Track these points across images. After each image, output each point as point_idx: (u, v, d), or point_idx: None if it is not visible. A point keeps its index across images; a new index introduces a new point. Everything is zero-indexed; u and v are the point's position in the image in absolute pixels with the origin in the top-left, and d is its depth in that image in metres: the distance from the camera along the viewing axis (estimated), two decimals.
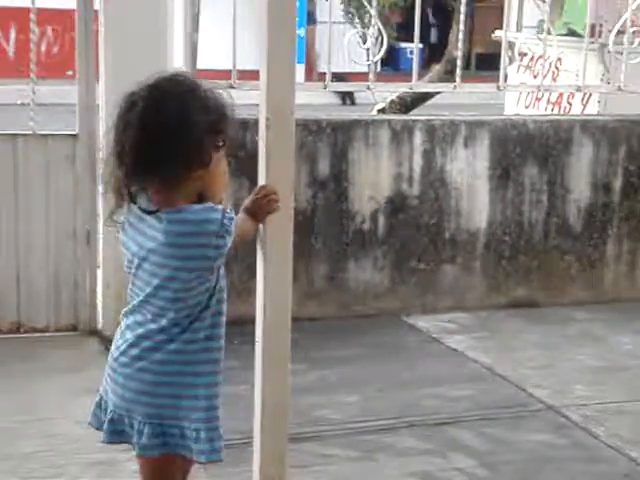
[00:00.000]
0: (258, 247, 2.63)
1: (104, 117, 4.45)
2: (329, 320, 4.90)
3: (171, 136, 2.22)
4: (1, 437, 3.47)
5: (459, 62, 5.06)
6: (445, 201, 5.10)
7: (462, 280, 5.20)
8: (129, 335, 2.38)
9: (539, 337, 4.84)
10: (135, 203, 2.33)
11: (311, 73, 16.05)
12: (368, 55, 4.96)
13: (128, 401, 2.37)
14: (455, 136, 5.09)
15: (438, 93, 6.66)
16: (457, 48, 5.23)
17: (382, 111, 7.10)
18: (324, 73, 5.04)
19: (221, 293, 2.42)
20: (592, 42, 5.72)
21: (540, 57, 5.81)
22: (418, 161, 5.03)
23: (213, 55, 9.97)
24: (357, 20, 14.01)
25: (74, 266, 4.59)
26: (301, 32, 17.39)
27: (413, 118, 5.34)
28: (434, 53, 13.90)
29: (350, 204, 4.93)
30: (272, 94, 2.51)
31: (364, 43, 5.00)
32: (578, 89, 5.42)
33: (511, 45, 6.23)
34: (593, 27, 5.91)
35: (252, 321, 2.64)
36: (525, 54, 6.83)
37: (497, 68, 5.27)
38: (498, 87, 5.17)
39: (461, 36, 5.18)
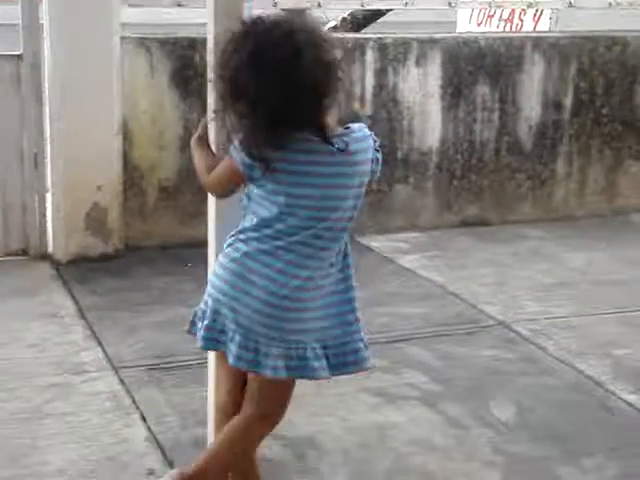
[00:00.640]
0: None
1: (49, 37, 4.35)
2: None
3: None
4: None
5: None
6: (397, 121, 5.08)
7: (415, 200, 5.21)
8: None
9: (490, 255, 4.90)
10: (286, 147, 2.24)
11: None
12: None
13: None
14: (407, 54, 5.05)
15: (390, 10, 6.57)
16: None
17: (334, 29, 6.99)
18: None
19: None
20: None
21: None
22: (370, 80, 4.99)
23: None
24: None
25: (22, 190, 4.52)
26: None
27: (364, 36, 5.28)
28: None
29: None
30: (220, 11, 2.45)
31: None
32: (529, 5, 5.40)
33: None
34: None
35: (205, 244, 2.63)
36: None
37: None
38: (450, 4, 5.13)
39: None
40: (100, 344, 3.63)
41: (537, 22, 6.50)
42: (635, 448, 3.00)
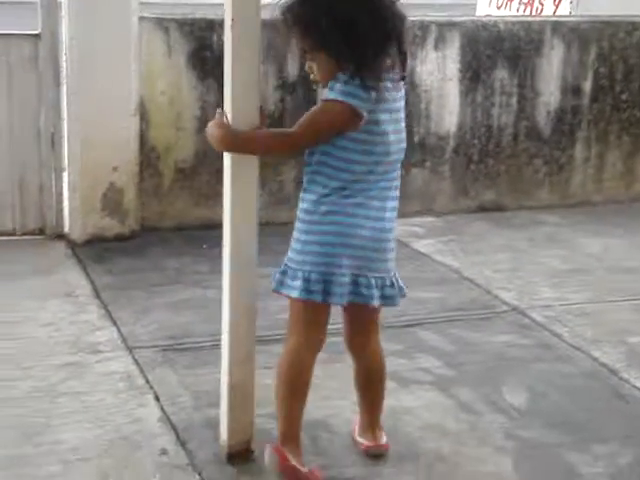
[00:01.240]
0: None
1: (67, 15, 4.35)
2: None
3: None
4: None
5: None
6: (415, 104, 5.06)
7: (431, 184, 5.20)
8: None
9: (506, 240, 4.88)
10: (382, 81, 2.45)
11: None
12: None
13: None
14: (425, 37, 5.02)
15: None
16: None
17: None
18: None
19: None
20: None
21: None
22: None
23: None
24: None
25: (39, 169, 4.53)
26: None
27: None
28: None
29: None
30: None
31: None
32: None
33: None
34: None
35: (221, 225, 2.63)
36: None
37: None
38: None
39: None
40: (115, 324, 3.65)
41: (557, 6, 6.46)
42: None
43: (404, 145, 2.60)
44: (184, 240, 4.65)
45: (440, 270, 4.43)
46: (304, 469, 2.62)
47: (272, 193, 4.84)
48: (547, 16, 6.08)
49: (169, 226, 4.78)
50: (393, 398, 3.15)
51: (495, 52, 5.15)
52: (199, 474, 2.68)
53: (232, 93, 2.49)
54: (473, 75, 5.14)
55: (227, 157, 2.55)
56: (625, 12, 5.80)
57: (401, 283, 2.72)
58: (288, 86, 4.83)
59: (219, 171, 2.56)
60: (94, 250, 4.45)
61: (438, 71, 5.07)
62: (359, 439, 2.85)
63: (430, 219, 5.14)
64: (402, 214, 4.98)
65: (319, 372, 3.25)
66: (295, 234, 2.60)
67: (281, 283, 2.59)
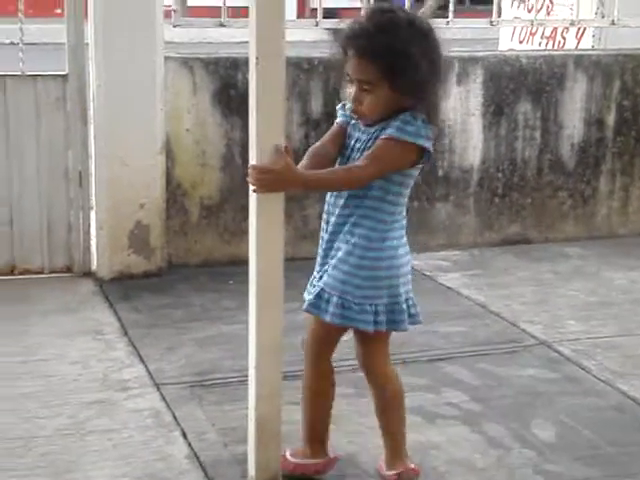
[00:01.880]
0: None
1: (94, 56, 4.42)
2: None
3: None
4: (0, 378, 3.50)
5: None
6: (438, 139, 5.08)
7: (455, 218, 5.21)
8: None
9: (532, 273, 4.87)
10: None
11: (303, 9, 15.89)
12: None
13: None
14: (448, 73, 5.04)
15: None
16: None
17: None
18: (316, 9, 5.00)
19: None
20: None
21: None
22: None
23: None
24: None
25: (67, 208, 4.59)
26: None
27: None
28: None
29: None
30: (261, 33, 2.47)
31: None
32: (572, 23, 5.38)
33: None
34: None
35: (247, 262, 2.65)
36: None
37: (492, 3, 5.22)
38: (491, 22, 5.13)
39: None
40: (142, 361, 3.67)
41: (580, 40, 6.47)
42: None
43: None
44: (210, 277, 4.68)
45: (466, 304, 4.43)
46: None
47: (297, 228, 4.87)
48: (569, 50, 6.10)
49: (195, 263, 4.81)
50: (419, 433, 3.15)
51: (518, 86, 5.17)
52: None
53: (257, 130, 2.52)
54: (496, 109, 5.16)
55: (252, 194, 2.57)
56: None
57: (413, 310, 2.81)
58: (312, 122, 4.86)
59: (244, 208, 2.59)
60: (121, 287, 4.49)
61: (461, 106, 5.10)
62: (386, 473, 2.84)
63: (455, 253, 5.14)
64: (427, 248, 5.09)
65: (345, 406, 3.26)
66: (346, 268, 2.63)
67: (342, 317, 2.66)
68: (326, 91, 4.86)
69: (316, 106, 4.86)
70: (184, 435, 3.11)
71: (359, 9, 4.87)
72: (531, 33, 7.00)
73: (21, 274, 4.56)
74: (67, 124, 4.51)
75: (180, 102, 4.67)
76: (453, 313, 4.29)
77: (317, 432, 2.87)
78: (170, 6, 4.83)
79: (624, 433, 3.20)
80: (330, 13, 8.34)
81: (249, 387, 2.71)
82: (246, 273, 2.67)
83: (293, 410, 3.19)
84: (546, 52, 5.79)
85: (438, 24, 5.50)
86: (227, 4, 4.59)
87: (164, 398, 3.36)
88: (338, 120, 2.73)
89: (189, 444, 3.05)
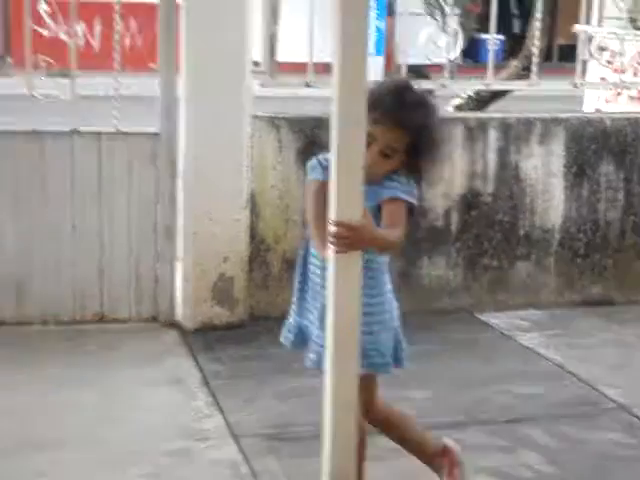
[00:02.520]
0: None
1: (185, 114, 4.59)
2: (402, 316, 4.94)
3: None
4: (85, 425, 3.62)
5: (534, 59, 5.07)
6: (519, 198, 5.11)
7: (536, 277, 5.20)
8: None
9: (613, 335, 4.83)
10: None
11: (390, 65, 16.06)
12: (453, 48, 5.03)
13: None
14: (530, 133, 5.09)
15: (514, 91, 6.67)
16: (533, 44, 5.23)
17: (459, 107, 7.11)
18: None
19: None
20: None
21: (619, 53, 5.75)
22: (492, 158, 5.05)
23: (295, 48, 10.05)
24: (437, 11, 13.97)
25: (154, 260, 4.73)
26: (381, 24, 17.45)
27: (488, 116, 5.36)
28: (517, 44, 13.78)
29: (423, 201, 4.97)
30: (343, 96, 2.56)
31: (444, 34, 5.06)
32: None
33: (591, 40, 6.17)
34: None
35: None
36: (605, 49, 6.76)
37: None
38: (574, 84, 5.16)
39: (538, 33, 5.18)
40: (222, 411, 3.75)
41: None
42: None
43: None
44: None
45: (545, 364, 4.41)
46: None
47: None
48: None
49: (277, 315, 4.85)
50: None
51: (601, 147, 5.18)
52: None
53: (337, 190, 2.58)
54: (578, 170, 5.17)
55: (332, 251, 2.63)
56: None
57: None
58: None
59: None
60: (204, 338, 4.59)
61: (543, 166, 5.12)
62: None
63: (535, 312, 5.12)
64: (506, 307, 5.09)
65: (420, 464, 3.29)
66: (365, 328, 2.77)
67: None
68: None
69: None
70: None
71: (441, 65, 4.96)
72: (617, 93, 6.99)
73: (109, 323, 4.71)
74: (157, 179, 4.68)
75: (266, 159, 4.79)
76: (531, 374, 4.28)
77: None
78: (259, 64, 4.99)
79: None
80: (417, 70, 8.37)
81: (324, 442, 2.76)
82: None
83: (369, 466, 3.23)
84: (630, 114, 5.77)
85: (521, 85, 5.56)
86: (317, 60, 4.70)
87: (242, 450, 3.43)
88: (317, 177, 2.83)
89: None
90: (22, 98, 4.56)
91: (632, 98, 6.89)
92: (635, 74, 6.68)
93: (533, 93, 5.77)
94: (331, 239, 2.56)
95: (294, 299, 2.99)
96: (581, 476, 3.31)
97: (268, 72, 5.22)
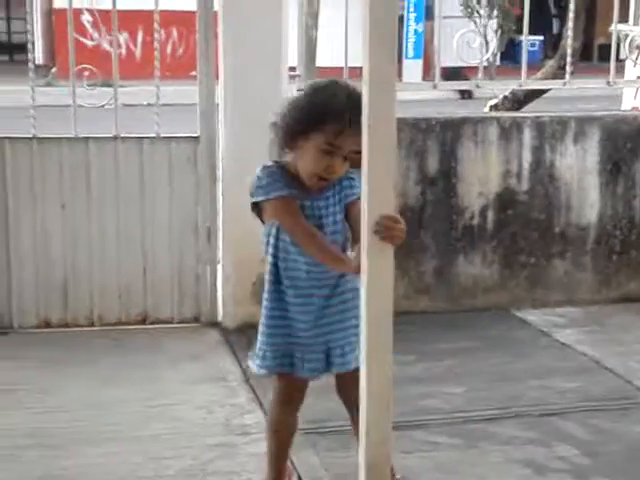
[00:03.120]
0: (362, 239, 2.76)
1: (223, 119, 4.70)
2: (439, 314, 5.03)
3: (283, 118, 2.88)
4: (132, 420, 3.73)
5: (569, 59, 5.11)
6: (555, 196, 5.16)
7: (572, 275, 5.24)
8: None
9: None
10: None
11: (428, 68, 16.09)
12: (487, 49, 5.10)
13: None
14: (565, 132, 5.13)
15: (550, 90, 6.70)
16: (569, 45, 5.27)
17: (495, 107, 7.16)
18: (442, 68, 5.16)
19: (275, 250, 2.90)
20: None
21: None
22: (527, 157, 5.10)
23: (333, 53, 10.14)
24: (476, 14, 14.00)
25: (196, 261, 4.85)
26: (419, 27, 17.48)
27: (522, 115, 5.41)
28: (556, 44, 13.77)
29: (459, 200, 5.05)
30: (373, 98, 2.64)
31: (483, 37, 5.12)
32: None
33: (627, 38, 6.19)
34: None
35: None
36: None
37: (618, 60, 5.27)
38: (608, 83, 5.19)
39: (570, 33, 5.23)
40: (262, 407, 3.85)
41: None
42: None
43: None
44: None
45: (581, 360, 4.45)
46: None
47: (412, 283, 5.00)
48: None
49: None
50: None
51: (636, 145, 5.21)
52: None
53: (368, 192, 2.67)
54: (613, 168, 5.20)
55: (364, 240, 2.69)
56: None
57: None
58: (428, 180, 5.01)
59: None
60: (245, 337, 4.68)
61: (577, 164, 5.16)
62: None
63: (571, 309, 5.16)
64: (543, 304, 5.14)
65: (462, 457, 3.36)
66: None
67: None
68: (442, 150, 5.00)
69: (432, 164, 5.01)
70: (299, 479, 3.25)
71: (484, 68, 5.03)
72: None
73: (152, 323, 4.84)
74: (197, 182, 4.80)
75: None
76: (567, 369, 4.32)
77: None
78: (295, 69, 5.08)
79: None
80: (455, 72, 8.50)
81: (360, 433, 2.84)
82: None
83: (403, 458, 3.32)
84: None
85: (555, 85, 5.58)
86: (352, 64, 4.79)
87: None
88: (290, 194, 2.81)
89: None
90: (66, 108, 4.70)
91: None
92: None
93: (570, 93, 5.80)
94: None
95: (271, 322, 2.96)
96: (615, 468, 3.35)
97: (305, 76, 5.29)
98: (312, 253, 2.81)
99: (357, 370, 2.66)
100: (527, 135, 5.09)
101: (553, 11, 20.62)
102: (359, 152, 2.65)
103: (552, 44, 17.33)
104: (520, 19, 5.44)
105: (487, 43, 5.05)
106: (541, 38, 18.75)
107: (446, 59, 5.10)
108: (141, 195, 4.77)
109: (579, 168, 5.17)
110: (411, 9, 17.36)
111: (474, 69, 5.29)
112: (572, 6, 5.19)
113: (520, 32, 5.56)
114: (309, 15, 5.46)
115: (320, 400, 3.91)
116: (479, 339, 4.69)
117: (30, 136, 4.67)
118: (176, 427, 3.68)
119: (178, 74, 10.97)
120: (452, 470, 3.30)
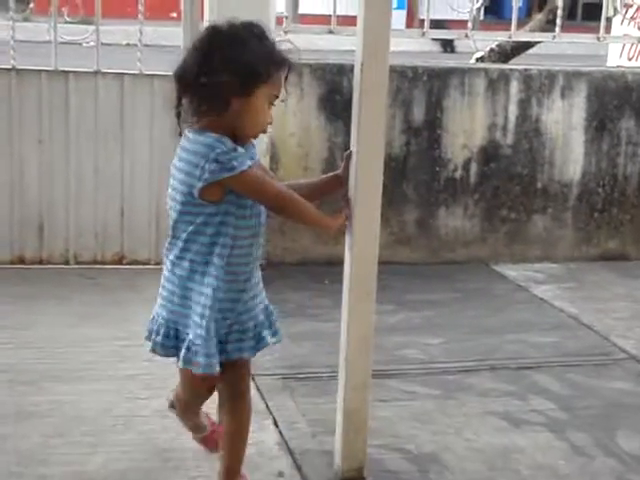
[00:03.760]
0: (350, 191, 2.73)
1: None
2: (419, 265, 5.01)
3: (218, 64, 2.42)
4: (106, 360, 3.69)
5: (559, 12, 5.05)
6: (539, 151, 5.12)
7: (552, 231, 5.23)
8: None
9: (627, 290, 4.86)
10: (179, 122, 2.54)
11: (412, 19, 15.95)
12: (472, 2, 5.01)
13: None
14: (552, 86, 5.08)
15: (539, 42, 6.62)
16: None
17: (481, 60, 7.07)
18: (424, 20, 5.08)
19: (225, 228, 2.51)
20: None
21: None
22: (513, 110, 5.06)
23: (316, 1, 10.02)
24: None
25: None
26: None
27: (510, 67, 5.35)
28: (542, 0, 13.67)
29: (443, 152, 5.00)
30: (367, 40, 2.59)
31: None
32: None
33: None
34: None
35: (343, 263, 2.77)
36: (630, 5, 6.71)
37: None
38: (598, 38, 5.14)
39: None
40: None
41: None
42: None
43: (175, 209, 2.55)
44: (307, 275, 4.81)
45: (558, 316, 4.45)
46: None
47: (393, 233, 4.97)
48: None
49: (292, 261, 4.95)
50: (505, 437, 3.21)
51: (622, 102, 5.17)
52: None
53: (358, 134, 2.63)
54: (599, 124, 5.17)
55: (352, 191, 2.68)
56: None
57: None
58: (413, 130, 4.96)
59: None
60: None
61: (563, 119, 5.12)
62: None
63: (550, 265, 5.16)
64: (522, 259, 5.12)
65: (433, 407, 3.35)
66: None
67: None
68: (429, 100, 4.94)
69: (418, 114, 4.95)
70: (275, 423, 3.23)
71: (462, 22, 4.95)
72: None
73: (129, 264, 4.78)
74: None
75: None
76: (545, 324, 4.33)
77: None
78: (282, 13, 4.99)
79: None
80: (439, 25, 8.38)
81: (339, 378, 2.82)
82: (342, 274, 2.78)
83: (382, 407, 3.30)
84: None
85: (545, 38, 5.52)
86: (338, 13, 4.72)
87: (258, 388, 3.49)
88: (251, 163, 2.48)
89: (280, 432, 3.17)
90: (44, 45, 4.59)
91: None
92: None
93: (557, 51, 5.75)
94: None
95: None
96: (591, 422, 3.36)
97: (291, 20, 5.19)
98: (294, 216, 2.72)
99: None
100: (514, 88, 5.03)
101: None
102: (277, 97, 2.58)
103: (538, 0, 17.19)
104: None
105: None
106: None
107: (432, 12, 5.01)
108: (121, 134, 4.68)
109: (565, 123, 5.13)
110: None
111: (458, 22, 5.22)
112: None
113: None
114: None
115: (296, 347, 3.91)
116: (458, 291, 4.68)
117: (9, 67, 4.56)
118: (150, 367, 3.63)
119: (158, 14, 10.79)
120: (428, 420, 3.29)
